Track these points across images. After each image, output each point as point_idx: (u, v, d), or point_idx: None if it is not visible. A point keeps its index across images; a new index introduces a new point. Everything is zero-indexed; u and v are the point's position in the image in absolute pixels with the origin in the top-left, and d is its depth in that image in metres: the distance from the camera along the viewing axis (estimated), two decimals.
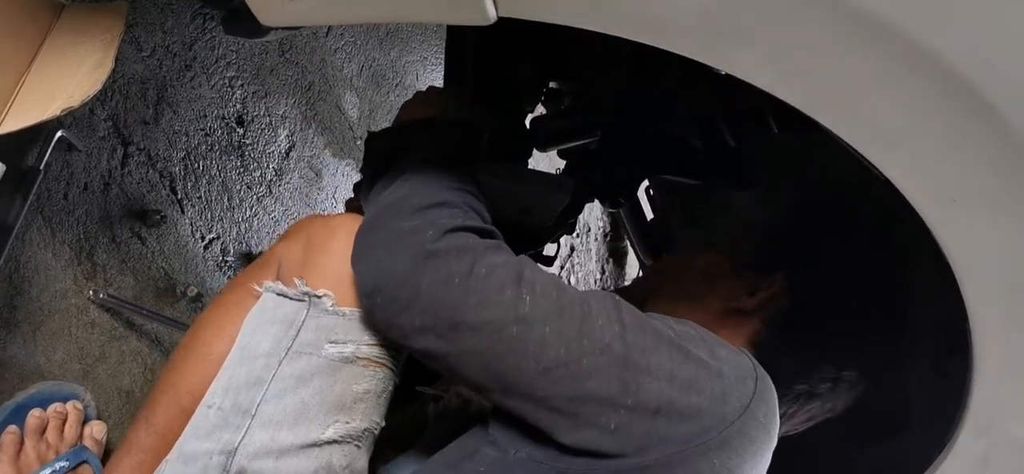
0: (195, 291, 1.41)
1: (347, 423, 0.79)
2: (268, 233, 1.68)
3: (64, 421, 1.09)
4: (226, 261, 1.54)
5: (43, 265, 1.16)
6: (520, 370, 0.72)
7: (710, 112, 1.18)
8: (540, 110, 1.41)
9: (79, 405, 1.12)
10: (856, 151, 0.64)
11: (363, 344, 0.82)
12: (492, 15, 0.61)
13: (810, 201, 1.11)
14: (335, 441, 0.78)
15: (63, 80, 0.91)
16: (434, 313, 0.72)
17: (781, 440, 0.94)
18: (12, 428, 1.03)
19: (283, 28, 0.75)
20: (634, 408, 0.71)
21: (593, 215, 3.40)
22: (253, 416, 0.77)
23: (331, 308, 0.82)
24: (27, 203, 1.09)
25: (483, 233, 0.78)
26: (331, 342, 0.81)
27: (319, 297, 0.82)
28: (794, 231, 1.03)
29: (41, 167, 1.12)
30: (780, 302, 0.93)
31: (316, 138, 1.88)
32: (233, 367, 0.81)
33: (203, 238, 1.49)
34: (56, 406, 1.09)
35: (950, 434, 0.86)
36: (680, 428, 0.72)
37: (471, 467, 0.77)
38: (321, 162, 1.88)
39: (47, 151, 1.13)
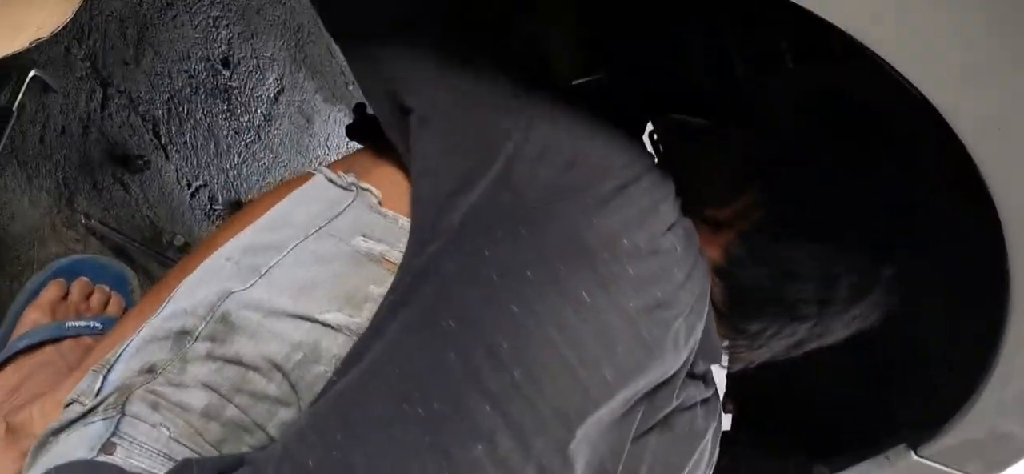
0: (182, 240, 1.36)
1: (350, 317, 0.76)
2: (257, 180, 1.62)
3: (108, 299, 1.12)
4: (214, 209, 1.49)
5: (20, 212, 1.10)
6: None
7: (725, 47, 1.13)
8: None
9: (122, 299, 1.15)
10: (901, 76, 0.59)
11: (395, 249, 0.80)
12: None
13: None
14: (331, 327, 0.75)
15: (32, 11, 0.85)
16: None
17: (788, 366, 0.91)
18: (61, 281, 1.08)
19: None
20: (522, 150, 0.72)
21: None
22: (262, 276, 0.75)
23: (375, 205, 0.81)
24: None
25: None
26: (364, 236, 0.79)
27: (366, 190, 0.82)
28: (786, 150, 0.91)
29: (14, 108, 1.05)
30: (756, 215, 0.83)
31: (306, 82, 1.82)
32: (262, 230, 0.80)
33: (189, 185, 1.43)
34: (103, 286, 1.13)
35: (980, 380, 0.83)
36: (563, 176, 0.70)
37: None
38: (312, 107, 1.82)
39: (20, 91, 1.07)
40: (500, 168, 0.72)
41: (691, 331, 0.76)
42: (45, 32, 0.83)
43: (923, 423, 0.96)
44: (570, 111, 0.76)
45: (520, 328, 0.66)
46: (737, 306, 0.84)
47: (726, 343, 0.89)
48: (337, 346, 0.75)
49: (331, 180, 0.83)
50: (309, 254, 0.77)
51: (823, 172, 0.84)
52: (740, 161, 0.90)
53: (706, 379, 0.86)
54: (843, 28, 0.57)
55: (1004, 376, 0.80)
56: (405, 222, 0.81)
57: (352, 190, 0.82)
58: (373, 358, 0.68)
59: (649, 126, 1.53)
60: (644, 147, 0.78)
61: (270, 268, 0.76)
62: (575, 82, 1.22)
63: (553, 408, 0.66)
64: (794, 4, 0.56)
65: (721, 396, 0.94)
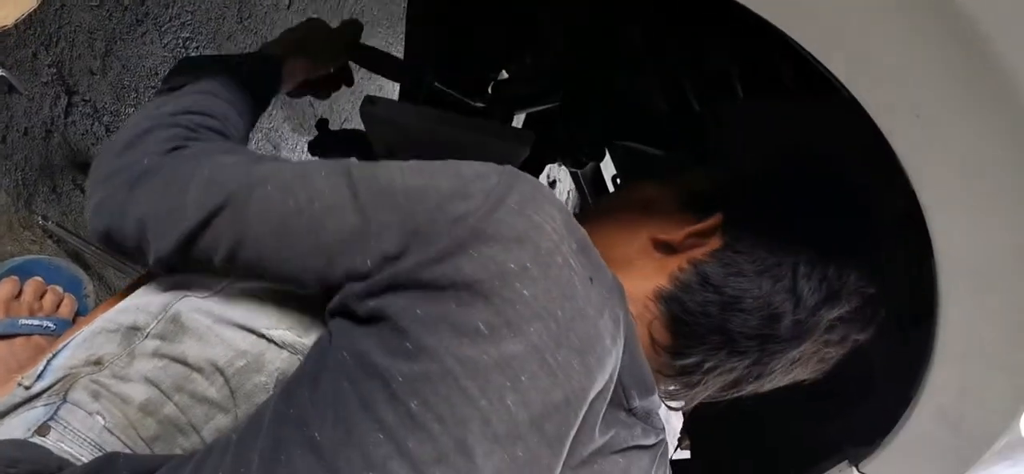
0: None
1: (297, 337, 0.75)
2: None
3: (61, 300, 1.13)
4: None
5: None
6: (263, 244, 0.70)
7: (675, 74, 1.16)
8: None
9: (75, 301, 1.16)
10: (826, 68, 0.62)
11: None
12: None
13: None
14: (275, 342, 0.75)
15: None
16: (162, 234, 0.72)
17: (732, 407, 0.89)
18: (15, 278, 1.10)
19: None
20: (378, 232, 0.66)
21: (563, 169, 3.37)
22: (216, 292, 0.77)
23: None
24: None
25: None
26: None
27: None
28: (753, 178, 0.87)
29: None
30: (712, 242, 0.80)
31: (274, 110, 1.84)
32: None
33: None
34: (56, 287, 1.14)
35: (916, 391, 0.84)
36: (429, 230, 0.65)
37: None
38: (279, 136, 1.83)
39: None
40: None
41: (605, 354, 0.71)
42: (9, 21, 0.84)
43: (863, 439, 0.97)
44: (406, 174, 0.70)
45: (414, 362, 0.63)
46: (679, 333, 0.81)
47: (665, 384, 0.85)
48: (281, 361, 0.74)
49: None
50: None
51: (784, 218, 0.81)
52: (708, 188, 0.87)
53: (648, 420, 0.82)
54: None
55: (937, 386, 0.82)
56: None
57: None
58: (289, 387, 0.67)
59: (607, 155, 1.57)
60: (493, 165, 0.71)
61: (225, 283, 0.77)
62: (529, 110, 1.25)
63: (455, 440, 0.63)
64: (734, 26, 0.58)
65: (670, 442, 0.89)
